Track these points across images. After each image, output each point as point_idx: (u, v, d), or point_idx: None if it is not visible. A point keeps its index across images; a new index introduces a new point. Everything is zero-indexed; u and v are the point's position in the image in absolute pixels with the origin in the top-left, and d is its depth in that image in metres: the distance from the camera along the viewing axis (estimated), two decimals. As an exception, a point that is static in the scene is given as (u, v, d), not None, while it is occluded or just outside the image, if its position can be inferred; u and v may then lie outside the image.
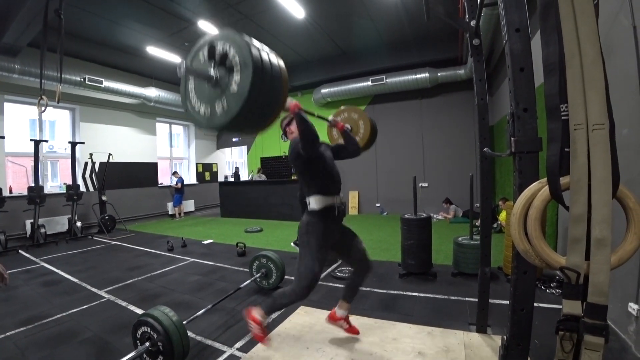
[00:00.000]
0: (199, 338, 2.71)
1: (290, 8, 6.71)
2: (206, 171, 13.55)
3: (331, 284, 3.99)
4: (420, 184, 9.58)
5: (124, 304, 3.58)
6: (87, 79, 8.35)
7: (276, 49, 6.74)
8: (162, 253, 5.91)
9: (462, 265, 4.05)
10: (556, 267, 1.16)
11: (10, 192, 7.74)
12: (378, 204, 10.21)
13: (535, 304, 1.48)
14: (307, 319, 2.96)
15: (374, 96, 10.28)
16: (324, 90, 10.38)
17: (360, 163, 10.43)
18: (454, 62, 8.65)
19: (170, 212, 11.09)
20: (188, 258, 5.46)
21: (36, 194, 6.99)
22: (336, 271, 4.37)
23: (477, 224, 7.07)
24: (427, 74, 8.88)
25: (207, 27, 7.33)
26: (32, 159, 7.23)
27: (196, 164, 13.19)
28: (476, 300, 2.62)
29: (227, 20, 7.26)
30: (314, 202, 2.18)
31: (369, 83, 9.62)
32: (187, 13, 6.96)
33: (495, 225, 6.48)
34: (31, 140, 7.26)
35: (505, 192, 7.25)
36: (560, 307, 1.21)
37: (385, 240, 6.33)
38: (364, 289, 3.74)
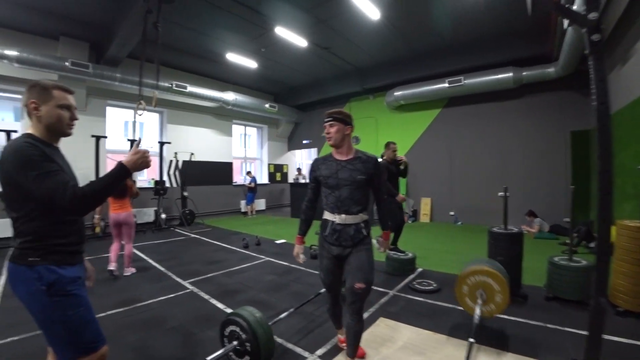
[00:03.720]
0: (279, 340, 2.69)
1: (366, 10, 6.59)
2: (277, 172, 14.00)
3: (409, 296, 3.77)
4: (498, 193, 8.80)
5: (206, 296, 3.75)
6: (174, 85, 9.13)
7: (349, 52, 6.70)
8: (238, 249, 6.16)
9: (559, 289, 3.55)
10: None
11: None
12: (452, 213, 9.62)
13: None
14: (387, 332, 2.81)
15: (450, 99, 9.70)
16: (397, 93, 10.08)
17: (434, 168, 9.97)
18: (542, 60, 7.74)
19: (242, 210, 11.64)
20: (262, 257, 5.60)
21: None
22: (414, 283, 4.12)
23: (568, 241, 6.28)
24: (510, 74, 8.07)
25: (283, 33, 7.52)
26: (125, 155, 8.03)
27: (268, 164, 13.71)
28: (578, 331, 2.25)
29: (302, 24, 7.39)
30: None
31: (445, 85, 9.10)
32: (265, 20, 7.20)
33: (592, 246, 5.69)
34: (128, 140, 8.07)
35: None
36: None
37: (462, 252, 5.89)
38: (441, 304, 3.48)
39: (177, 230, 8.42)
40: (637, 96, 5.10)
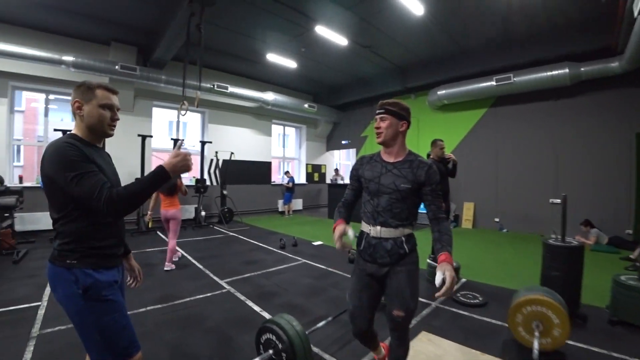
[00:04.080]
0: (315, 349, 2.58)
1: (410, 5, 6.33)
2: (315, 172, 13.96)
3: (453, 309, 3.52)
4: (551, 200, 8.13)
5: (242, 297, 3.72)
6: (215, 86, 9.34)
7: (390, 50, 6.44)
8: (275, 250, 6.15)
9: (625, 313, 3.11)
10: None
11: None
12: (497, 219, 9.06)
13: None
14: (431, 348, 2.61)
15: (497, 98, 9.11)
16: (441, 92, 9.64)
17: (478, 172, 9.44)
18: (603, 54, 6.96)
19: (280, 209, 11.72)
20: (299, 258, 5.53)
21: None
22: (459, 294, 3.85)
23: (632, 256, 5.67)
24: (566, 70, 7.33)
25: (324, 32, 7.43)
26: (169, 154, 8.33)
27: (306, 164, 13.72)
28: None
29: (343, 22, 7.25)
30: None
31: (493, 83, 8.53)
32: (306, 19, 7.14)
33: None
34: (171, 139, 8.35)
35: None
36: None
37: (510, 263, 5.48)
38: (489, 320, 3.20)
39: (216, 227, 8.59)
40: None
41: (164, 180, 1.33)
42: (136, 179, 1.29)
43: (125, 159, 8.06)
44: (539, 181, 8.36)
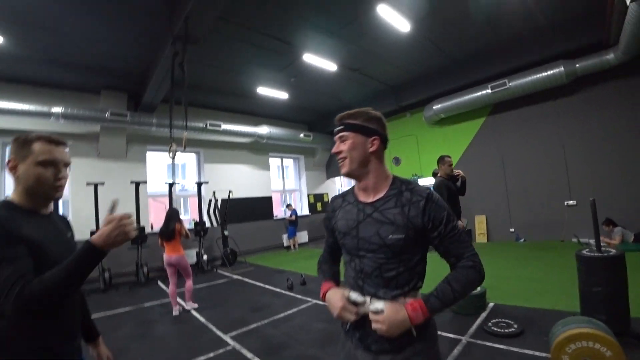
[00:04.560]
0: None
1: (395, 23, 6.24)
2: (318, 202, 13.63)
3: (487, 343, 3.08)
4: (565, 202, 7.79)
5: (249, 355, 3.29)
6: (208, 124, 9.19)
7: (380, 70, 6.20)
8: (283, 292, 5.69)
9: None
10: None
11: (152, 228, 8.71)
12: (512, 229, 8.63)
13: None
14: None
15: (494, 105, 8.94)
16: (436, 106, 9.48)
17: (486, 182, 9.08)
18: (596, 47, 6.86)
19: (285, 244, 11.26)
20: (309, 299, 5.08)
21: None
22: (490, 324, 3.42)
23: None
24: (561, 68, 7.21)
25: (312, 59, 7.34)
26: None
27: (308, 194, 13.39)
28: None
29: (330, 48, 7.16)
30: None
31: (488, 91, 8.39)
32: (293, 49, 7.05)
33: None
34: (167, 183, 8.11)
35: None
36: None
37: (538, 278, 5.04)
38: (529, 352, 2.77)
39: (219, 271, 8.15)
40: None
41: (94, 259, 1.00)
42: (46, 274, 0.95)
43: (120, 208, 7.76)
44: (550, 184, 8.04)
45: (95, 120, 7.45)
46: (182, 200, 10.79)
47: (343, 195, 1.37)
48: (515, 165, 8.69)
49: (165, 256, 4.80)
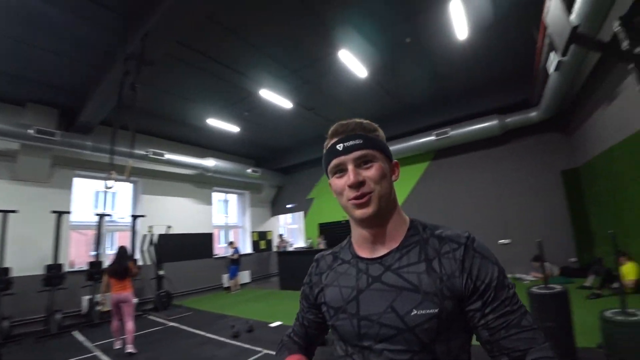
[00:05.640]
0: None
1: (354, 68, 6.49)
2: (262, 239, 13.05)
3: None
4: (499, 241, 8.37)
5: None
6: (151, 153, 8.49)
7: (334, 111, 6.33)
8: (227, 341, 5.04)
9: (626, 352, 2.80)
10: None
11: (72, 266, 7.55)
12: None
13: None
14: None
15: (437, 151, 9.62)
16: (385, 150, 9.88)
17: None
18: (523, 105, 7.93)
19: (225, 285, 10.42)
20: (259, 349, 4.54)
21: (96, 270, 6.70)
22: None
23: (586, 284, 5.97)
24: (495, 121, 8.16)
25: (269, 95, 7.29)
26: (94, 230, 7.14)
27: (251, 232, 12.78)
28: None
29: (288, 85, 7.19)
30: None
31: (432, 137, 9.02)
32: (250, 83, 6.95)
33: (615, 286, 5.21)
34: (96, 214, 7.19)
35: (606, 244, 6.13)
36: None
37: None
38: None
39: (151, 317, 7.17)
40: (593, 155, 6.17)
41: None
42: None
43: (36, 241, 6.70)
44: (487, 225, 8.62)
45: (15, 137, 6.38)
46: (113, 234, 9.59)
47: (334, 252, 0.96)
48: (456, 208, 9.20)
49: (114, 295, 4.67)
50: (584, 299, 5.27)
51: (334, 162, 0.82)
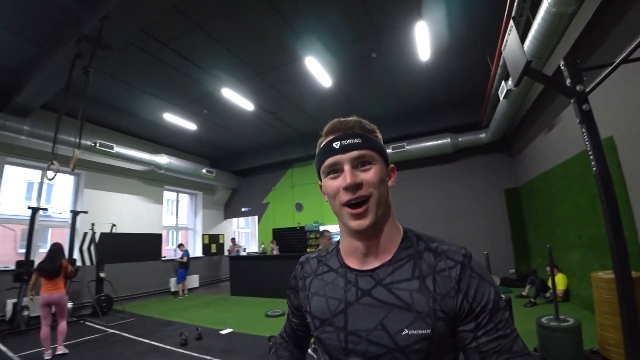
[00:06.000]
0: None
1: (319, 76, 6.56)
2: (213, 243, 12.57)
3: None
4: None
5: None
6: (98, 144, 7.85)
7: (295, 117, 6.42)
8: (174, 349, 4.74)
9: (559, 354, 3.20)
10: None
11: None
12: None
13: None
14: None
15: (394, 163, 9.94)
16: (343, 158, 10.07)
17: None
18: (474, 127, 8.52)
19: (172, 289, 9.89)
20: (209, 357, 4.32)
21: (25, 270, 6.02)
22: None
23: (524, 293, 6.53)
24: (448, 140, 8.72)
25: (231, 95, 7.12)
26: (24, 225, 6.44)
27: (203, 234, 12.28)
28: None
29: (251, 87, 7.08)
30: None
31: (390, 150, 9.33)
32: (213, 80, 6.74)
33: (548, 295, 5.87)
34: (29, 208, 6.51)
35: (543, 257, 6.57)
36: None
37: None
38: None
39: (88, 323, 6.59)
40: (533, 176, 6.80)
41: None
42: None
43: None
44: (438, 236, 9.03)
45: None
46: (48, 231, 8.69)
47: (319, 256, 0.91)
48: (408, 218, 9.53)
49: (45, 295, 4.32)
50: (521, 307, 5.70)
51: (329, 160, 0.76)
